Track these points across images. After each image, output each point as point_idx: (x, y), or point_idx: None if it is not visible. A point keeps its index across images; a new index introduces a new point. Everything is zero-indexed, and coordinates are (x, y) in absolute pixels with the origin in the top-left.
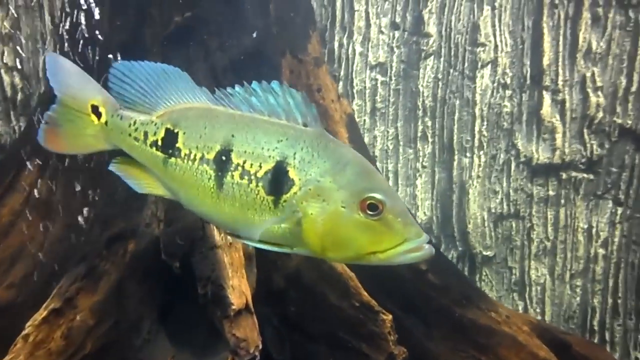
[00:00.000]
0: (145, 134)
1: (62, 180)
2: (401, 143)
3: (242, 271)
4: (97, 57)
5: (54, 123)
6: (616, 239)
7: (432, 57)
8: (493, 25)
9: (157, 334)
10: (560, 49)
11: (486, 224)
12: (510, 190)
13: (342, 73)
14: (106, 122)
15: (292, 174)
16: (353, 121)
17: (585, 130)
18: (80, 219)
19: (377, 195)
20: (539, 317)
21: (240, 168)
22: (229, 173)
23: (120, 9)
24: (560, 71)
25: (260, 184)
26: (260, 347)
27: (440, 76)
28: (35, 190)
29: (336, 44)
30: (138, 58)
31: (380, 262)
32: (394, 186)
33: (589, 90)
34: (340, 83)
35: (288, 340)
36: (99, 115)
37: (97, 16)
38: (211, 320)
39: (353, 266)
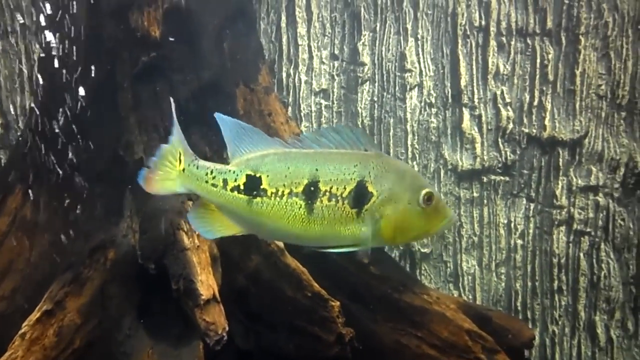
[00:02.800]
0: (225, 180)
1: (46, 202)
2: None
3: (209, 269)
4: (75, 95)
5: (153, 168)
6: (531, 231)
7: (367, 83)
8: (417, 54)
9: (136, 329)
10: (474, 72)
11: None
12: (441, 195)
13: (290, 99)
14: (183, 169)
15: (370, 188)
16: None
17: (499, 140)
18: (63, 235)
19: (429, 190)
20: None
21: (328, 193)
22: (318, 199)
23: (94, 51)
24: (476, 90)
25: (345, 202)
26: (227, 329)
27: (375, 99)
28: (21, 213)
29: (284, 74)
30: (111, 94)
31: (431, 236)
32: None
33: (500, 105)
34: (290, 108)
35: (252, 331)
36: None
37: (74, 58)
38: (184, 311)
39: (305, 263)
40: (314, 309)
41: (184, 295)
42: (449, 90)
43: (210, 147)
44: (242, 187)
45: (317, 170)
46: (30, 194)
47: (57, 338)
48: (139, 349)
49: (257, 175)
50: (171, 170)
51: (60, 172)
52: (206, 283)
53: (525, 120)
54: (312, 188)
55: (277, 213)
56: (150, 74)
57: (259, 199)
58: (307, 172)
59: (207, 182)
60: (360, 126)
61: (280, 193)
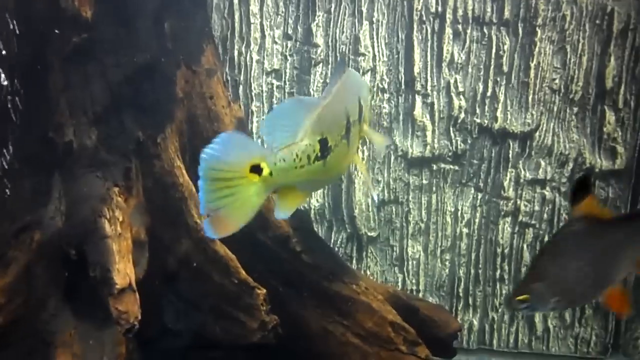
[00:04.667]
0: (309, 157)
1: None
2: None
3: (128, 257)
4: (7, 73)
5: (214, 209)
6: (477, 220)
7: (321, 65)
8: (372, 38)
9: (62, 310)
10: (429, 59)
11: (370, 209)
12: (390, 180)
13: (241, 78)
14: (270, 173)
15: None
16: (243, 124)
17: (451, 129)
18: None
19: None
20: (415, 287)
21: (352, 126)
22: (351, 133)
23: (23, 30)
24: (429, 78)
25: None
26: (139, 318)
27: (328, 81)
28: None
29: (236, 52)
30: (42, 75)
31: None
32: None
33: (453, 94)
34: (240, 87)
35: (182, 313)
36: (259, 171)
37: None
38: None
39: (241, 250)
40: (240, 296)
41: (100, 283)
42: (402, 76)
43: (144, 131)
44: (319, 154)
45: (346, 108)
46: None
47: None
48: (62, 329)
49: (324, 136)
50: (248, 185)
51: None
52: (123, 272)
53: (477, 110)
54: (348, 126)
55: (337, 161)
56: (81, 55)
57: (328, 157)
58: (343, 115)
59: (296, 168)
60: None
61: (337, 142)
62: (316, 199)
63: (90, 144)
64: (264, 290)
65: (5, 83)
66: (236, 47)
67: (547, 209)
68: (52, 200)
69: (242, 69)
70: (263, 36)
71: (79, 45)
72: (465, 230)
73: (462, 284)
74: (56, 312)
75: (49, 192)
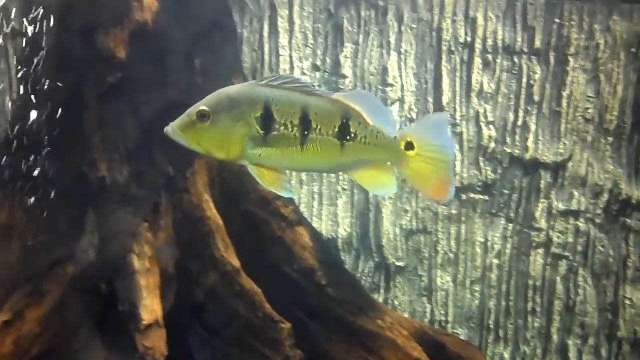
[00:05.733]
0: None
1: (17, 208)
2: None
3: (156, 292)
4: (43, 110)
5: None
6: (508, 251)
7: None
8: (400, 69)
9: (93, 341)
10: (458, 89)
11: (398, 239)
12: (419, 210)
13: None
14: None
15: None
16: None
17: (480, 159)
18: (27, 246)
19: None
20: (444, 318)
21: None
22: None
23: (64, 71)
24: (458, 108)
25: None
26: (166, 354)
27: None
28: None
29: None
30: (78, 113)
31: None
32: (319, 207)
33: (482, 124)
34: None
35: (209, 344)
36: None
37: (43, 73)
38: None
39: (266, 282)
40: (265, 330)
41: (128, 318)
42: (431, 106)
43: (174, 166)
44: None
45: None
46: (5, 199)
47: (15, 347)
48: (93, 358)
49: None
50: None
51: (29, 183)
52: (150, 308)
53: (508, 140)
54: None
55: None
56: (115, 94)
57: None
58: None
59: None
60: None
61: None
62: (344, 228)
63: (122, 179)
64: (289, 325)
65: (44, 119)
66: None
67: (581, 240)
68: (86, 234)
69: None
70: (292, 68)
71: (113, 85)
72: (495, 261)
73: (493, 316)
74: (87, 342)
75: (82, 226)
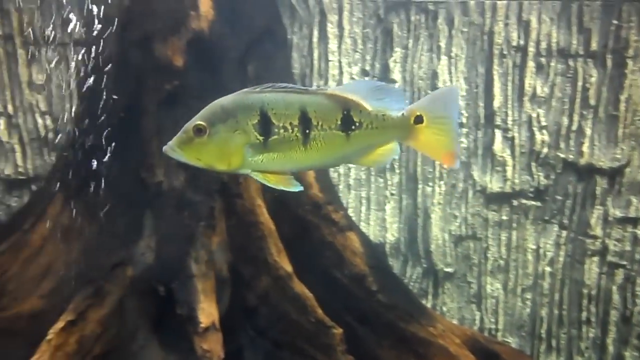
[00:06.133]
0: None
1: (80, 212)
2: (372, 173)
3: (212, 296)
4: (106, 114)
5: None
6: (561, 259)
7: None
8: (450, 73)
9: (150, 341)
10: (509, 93)
11: (447, 244)
12: (468, 215)
13: None
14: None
15: None
16: None
17: (532, 164)
18: (89, 247)
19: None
20: (493, 326)
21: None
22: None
23: (124, 79)
24: (510, 112)
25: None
26: (223, 357)
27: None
28: (60, 219)
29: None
30: (136, 119)
31: None
32: (366, 211)
33: (535, 129)
34: None
35: (261, 347)
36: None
37: (106, 81)
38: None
39: (317, 287)
40: (317, 335)
41: (186, 321)
42: (482, 110)
43: None
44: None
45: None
46: (68, 203)
47: (78, 346)
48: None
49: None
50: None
51: (91, 187)
52: (207, 311)
53: (562, 145)
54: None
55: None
56: (172, 101)
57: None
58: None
59: None
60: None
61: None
62: (392, 233)
63: (178, 184)
64: (341, 330)
65: (105, 126)
66: (315, 84)
67: (639, 249)
68: (144, 237)
69: None
70: (341, 73)
71: (170, 92)
72: (548, 269)
73: (545, 325)
74: (145, 343)
75: (140, 229)
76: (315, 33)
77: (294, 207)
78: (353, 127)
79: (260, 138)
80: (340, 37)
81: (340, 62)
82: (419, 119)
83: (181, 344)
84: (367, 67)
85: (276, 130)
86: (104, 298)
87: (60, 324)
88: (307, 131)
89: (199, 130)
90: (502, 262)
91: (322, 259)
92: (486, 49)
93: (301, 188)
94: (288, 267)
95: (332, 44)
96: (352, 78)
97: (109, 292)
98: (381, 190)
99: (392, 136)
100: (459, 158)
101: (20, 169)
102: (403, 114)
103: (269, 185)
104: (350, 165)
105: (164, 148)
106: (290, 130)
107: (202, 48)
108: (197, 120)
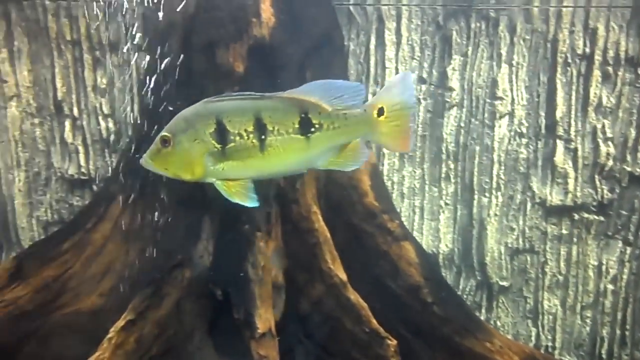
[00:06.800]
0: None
1: (140, 213)
2: (427, 182)
3: (269, 302)
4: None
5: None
6: (625, 276)
7: (455, 108)
8: (510, 81)
9: (205, 343)
10: (573, 102)
11: (503, 257)
12: (526, 228)
13: None
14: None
15: None
16: (376, 170)
17: (596, 176)
18: (149, 248)
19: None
20: (550, 344)
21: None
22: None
23: (186, 84)
24: (573, 122)
25: None
26: None
27: (462, 124)
28: (121, 220)
29: (370, 96)
30: None
31: None
32: (420, 221)
33: (600, 140)
34: None
35: (312, 355)
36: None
37: (167, 87)
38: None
39: (370, 297)
40: (370, 345)
41: (243, 326)
42: (543, 120)
43: (284, 177)
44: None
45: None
46: (129, 204)
47: (137, 345)
48: None
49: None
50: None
51: (151, 189)
52: (264, 317)
53: (628, 158)
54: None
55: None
56: None
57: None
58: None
59: None
60: (444, 152)
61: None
62: (445, 244)
63: None
64: (395, 342)
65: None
66: (371, 90)
67: None
68: (201, 240)
69: None
70: None
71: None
72: (610, 286)
73: (606, 345)
74: (201, 345)
75: (199, 232)
76: (373, 40)
77: (348, 215)
78: (312, 129)
79: (218, 146)
80: (398, 44)
81: (397, 69)
82: (381, 112)
83: (236, 348)
84: (425, 75)
85: (232, 137)
86: (162, 299)
87: (120, 323)
88: (263, 137)
89: (164, 142)
90: (560, 277)
91: (376, 268)
92: (549, 57)
93: (257, 204)
94: (342, 275)
95: (390, 51)
96: None
97: (167, 293)
98: (435, 199)
99: (356, 134)
100: (414, 142)
101: (82, 170)
102: (365, 109)
103: (227, 197)
104: (404, 173)
105: (140, 160)
106: (246, 137)
107: (263, 54)
108: (164, 132)
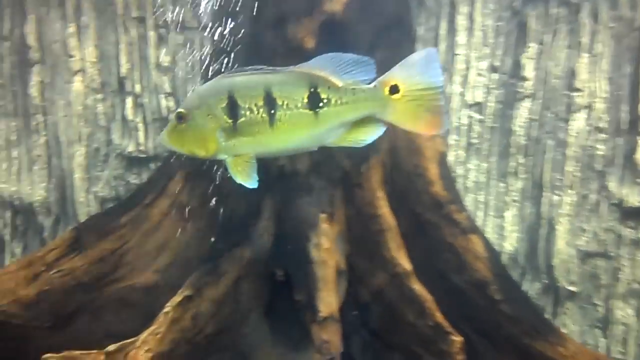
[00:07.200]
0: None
1: (200, 190)
2: (493, 177)
3: (331, 285)
4: None
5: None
6: None
7: (528, 99)
8: (590, 72)
9: (261, 325)
10: None
11: (572, 260)
12: (599, 230)
13: None
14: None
15: None
16: (444, 159)
17: None
18: (208, 226)
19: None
20: (621, 356)
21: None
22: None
23: (253, 61)
24: None
25: None
26: (341, 350)
27: (535, 117)
28: (179, 197)
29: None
30: None
31: None
32: (484, 217)
33: None
34: None
35: (370, 347)
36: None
37: (234, 63)
38: (304, 322)
39: (433, 291)
40: (434, 340)
41: (305, 308)
42: (625, 115)
43: (350, 160)
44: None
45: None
46: (188, 182)
47: (193, 321)
48: (260, 345)
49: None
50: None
51: (212, 167)
52: (326, 300)
53: None
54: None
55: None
56: None
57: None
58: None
59: None
60: (513, 145)
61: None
62: (510, 243)
63: (302, 168)
64: (461, 338)
65: None
66: None
67: None
68: (262, 220)
69: None
70: (467, 68)
71: None
72: None
73: None
74: (256, 327)
75: (260, 212)
76: (443, 25)
77: (413, 204)
78: (321, 104)
79: (229, 121)
80: (470, 30)
81: (467, 55)
82: (394, 89)
83: (292, 331)
84: (497, 63)
85: (242, 112)
86: (220, 277)
87: (178, 298)
88: (273, 112)
89: (179, 118)
90: (636, 285)
91: (440, 261)
92: (635, 47)
93: (256, 186)
94: (407, 265)
95: (461, 37)
96: (479, 74)
97: (226, 271)
98: (501, 195)
99: (364, 110)
100: (445, 123)
101: (141, 147)
102: (375, 85)
103: (232, 174)
104: (470, 166)
105: (159, 137)
106: (256, 112)
107: (334, 31)
108: (180, 108)
